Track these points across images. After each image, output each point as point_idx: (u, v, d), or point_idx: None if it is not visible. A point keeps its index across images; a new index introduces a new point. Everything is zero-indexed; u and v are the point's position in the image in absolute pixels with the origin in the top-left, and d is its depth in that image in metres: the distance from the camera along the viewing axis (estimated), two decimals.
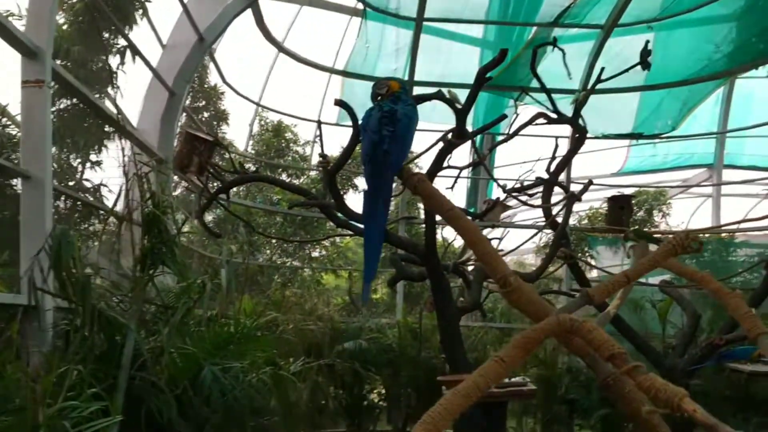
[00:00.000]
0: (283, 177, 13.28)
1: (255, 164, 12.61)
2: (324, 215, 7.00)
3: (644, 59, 8.13)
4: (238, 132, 13.39)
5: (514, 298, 1.94)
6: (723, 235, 11.39)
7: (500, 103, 12.34)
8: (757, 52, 10.10)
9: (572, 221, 14.33)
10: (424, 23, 10.14)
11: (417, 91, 10.98)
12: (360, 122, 2.50)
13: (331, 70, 11.24)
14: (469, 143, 7.89)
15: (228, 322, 4.73)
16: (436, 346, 9.74)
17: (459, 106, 5.76)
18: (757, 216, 11.35)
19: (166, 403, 3.83)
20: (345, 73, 11.01)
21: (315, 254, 13.85)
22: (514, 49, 11.77)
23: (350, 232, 7.91)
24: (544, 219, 8.94)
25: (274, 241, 12.70)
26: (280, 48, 10.28)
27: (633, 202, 11.90)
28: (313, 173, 13.40)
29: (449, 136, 6.09)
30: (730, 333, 7.55)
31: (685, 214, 18.40)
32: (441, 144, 6.80)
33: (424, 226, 14.76)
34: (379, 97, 2.47)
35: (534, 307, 1.94)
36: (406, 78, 10.85)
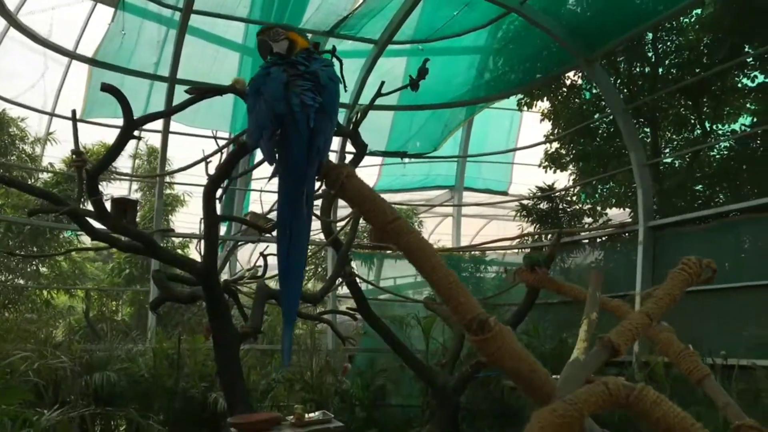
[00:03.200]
0: None
1: None
2: (77, 225, 5.78)
3: (420, 78, 8.12)
4: None
5: (494, 349, 1.38)
6: (476, 253, 12.00)
7: None
8: (510, 83, 10.83)
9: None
10: (190, 25, 9.21)
11: (179, 90, 9.97)
12: (251, 83, 1.72)
13: (75, 56, 9.68)
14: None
15: None
16: (196, 373, 8.78)
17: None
18: (507, 236, 12.17)
19: None
20: (94, 62, 9.54)
21: (44, 270, 11.87)
22: None
23: (105, 245, 6.71)
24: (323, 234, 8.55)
25: None
26: (13, 22, 8.55)
27: None
28: (45, 176, 11.51)
29: (244, 137, 5.38)
30: None
31: (425, 232, 19.28)
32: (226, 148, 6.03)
33: (181, 239, 13.45)
34: (273, 52, 1.74)
35: (519, 362, 1.40)
36: (168, 75, 9.74)
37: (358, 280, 8.18)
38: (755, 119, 10.04)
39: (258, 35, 1.76)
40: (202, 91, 4.83)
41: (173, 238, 12.90)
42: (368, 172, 15.12)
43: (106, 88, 4.91)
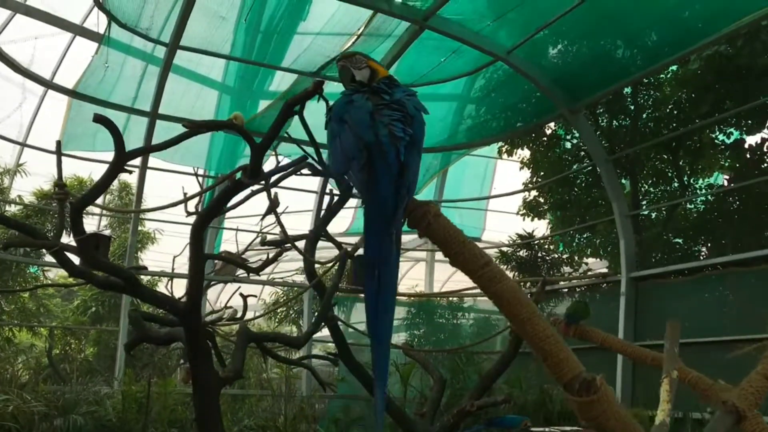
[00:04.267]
0: None
1: None
2: (56, 260, 5.51)
3: None
4: None
5: (598, 412, 1.25)
6: (453, 299, 11.88)
7: (237, 148, 11.63)
8: (491, 130, 10.91)
9: (303, 278, 14.01)
10: (174, 63, 9.12)
11: (161, 126, 9.80)
12: (331, 112, 1.60)
13: (56, 87, 9.45)
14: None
15: None
16: (165, 418, 8.41)
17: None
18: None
19: None
20: (75, 94, 9.33)
21: (5, 306, 11.36)
22: (253, 96, 11.23)
23: (82, 281, 6.42)
24: (306, 275, 8.31)
25: None
26: None
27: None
28: (13, 209, 11.13)
29: (238, 174, 5.22)
30: (478, 399, 7.60)
31: (400, 275, 19.02)
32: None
33: (150, 277, 13.10)
34: (355, 80, 1.63)
35: (625, 427, 1.27)
36: (149, 110, 9.58)
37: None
38: (732, 174, 10.24)
39: (339, 61, 1.66)
40: (199, 125, 4.66)
41: (142, 276, 12.52)
42: (342, 215, 15.03)
43: (99, 119, 4.72)
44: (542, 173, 11.88)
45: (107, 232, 11.95)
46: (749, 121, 9.54)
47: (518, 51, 8.83)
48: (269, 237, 7.63)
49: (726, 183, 10.67)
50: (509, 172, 14.49)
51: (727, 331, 7.59)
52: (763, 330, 7.24)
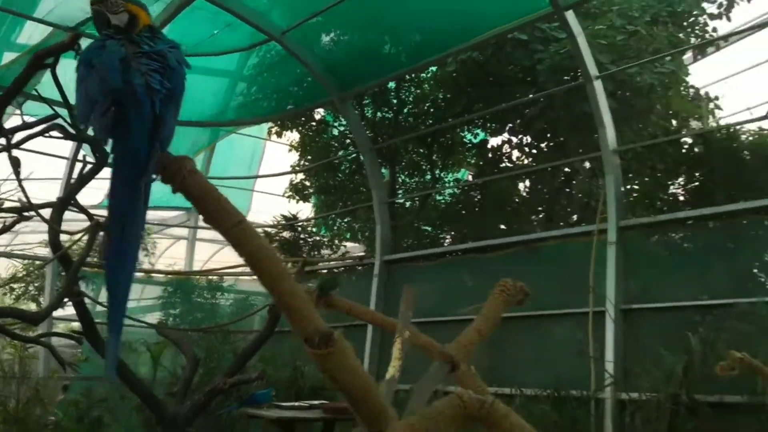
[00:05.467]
0: None
1: None
2: None
3: None
4: None
5: (335, 363, 1.36)
6: (213, 278, 11.69)
7: None
8: (262, 110, 10.90)
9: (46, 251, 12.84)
10: None
11: None
12: (82, 54, 1.49)
13: None
14: None
15: None
16: None
17: None
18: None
19: None
20: None
21: None
22: None
23: None
24: (50, 247, 7.62)
25: None
26: None
27: None
28: None
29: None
30: (232, 377, 7.61)
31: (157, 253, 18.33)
32: None
33: None
34: (111, 24, 1.53)
35: (356, 379, 1.39)
36: None
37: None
38: (476, 171, 11.37)
39: (92, 5, 1.55)
40: None
41: None
42: (95, 185, 14.03)
43: None
44: (309, 157, 12.16)
45: None
46: (493, 124, 10.64)
47: (292, 34, 8.90)
48: (7, 203, 6.91)
49: (470, 178, 11.82)
50: (278, 155, 14.57)
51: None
52: None
